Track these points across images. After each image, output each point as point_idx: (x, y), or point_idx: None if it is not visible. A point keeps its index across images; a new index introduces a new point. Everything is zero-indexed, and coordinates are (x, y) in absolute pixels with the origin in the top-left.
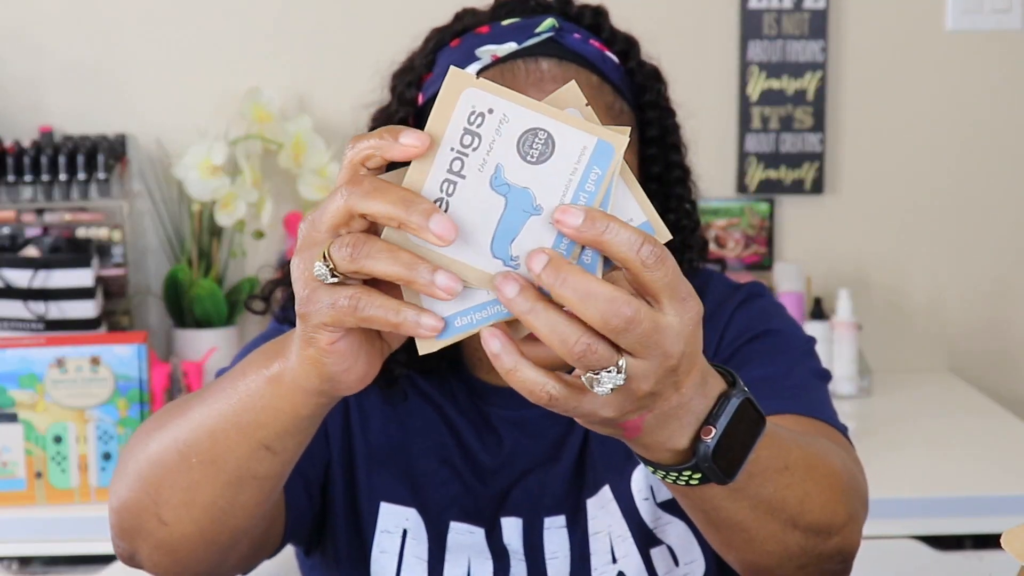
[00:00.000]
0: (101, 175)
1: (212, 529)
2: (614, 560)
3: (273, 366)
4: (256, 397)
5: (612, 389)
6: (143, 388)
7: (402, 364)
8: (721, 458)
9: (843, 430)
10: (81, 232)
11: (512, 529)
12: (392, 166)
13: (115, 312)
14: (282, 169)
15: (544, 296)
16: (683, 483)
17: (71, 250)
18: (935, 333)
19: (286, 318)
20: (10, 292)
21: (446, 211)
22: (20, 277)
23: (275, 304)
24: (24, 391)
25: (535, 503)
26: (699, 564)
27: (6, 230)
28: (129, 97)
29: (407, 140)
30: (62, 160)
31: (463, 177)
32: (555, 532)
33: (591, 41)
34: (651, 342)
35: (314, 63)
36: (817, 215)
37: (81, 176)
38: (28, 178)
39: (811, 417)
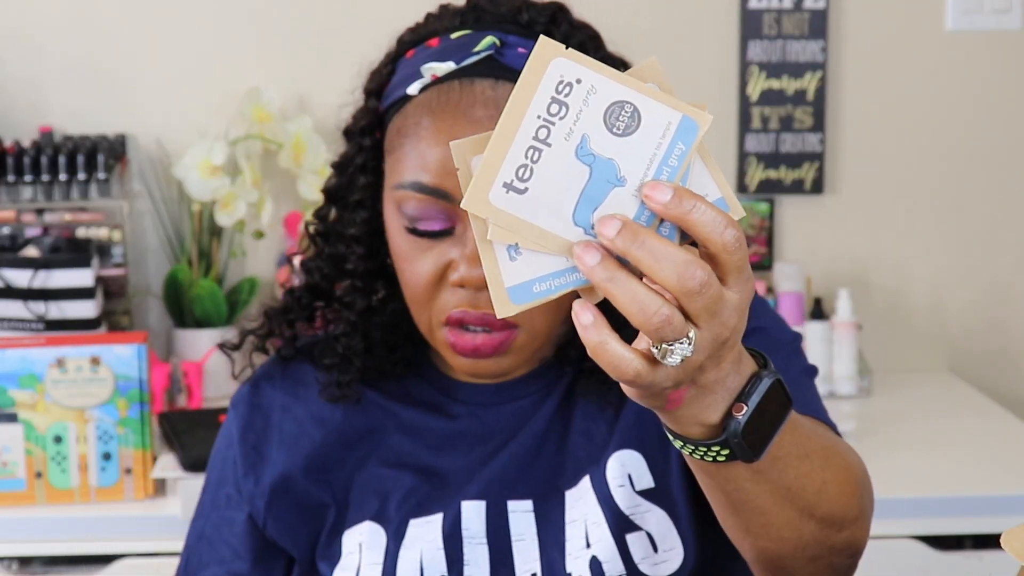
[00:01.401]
0: (101, 175)
1: None
2: (588, 545)
3: None
4: None
5: (681, 360)
6: (143, 388)
7: (353, 370)
8: (750, 436)
9: (834, 427)
10: (81, 232)
11: (473, 512)
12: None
13: (115, 312)
14: (282, 169)
15: (624, 266)
16: (710, 459)
17: (71, 250)
18: (935, 333)
19: (255, 373)
20: (10, 292)
21: (530, 177)
22: (20, 277)
23: (247, 348)
24: (24, 391)
25: (499, 485)
26: (678, 551)
27: (6, 230)
28: (129, 97)
29: None
30: (62, 160)
31: (548, 145)
32: (520, 516)
33: None
34: (716, 309)
35: (314, 63)
36: (817, 215)
37: (81, 176)
38: (28, 178)
39: (807, 416)
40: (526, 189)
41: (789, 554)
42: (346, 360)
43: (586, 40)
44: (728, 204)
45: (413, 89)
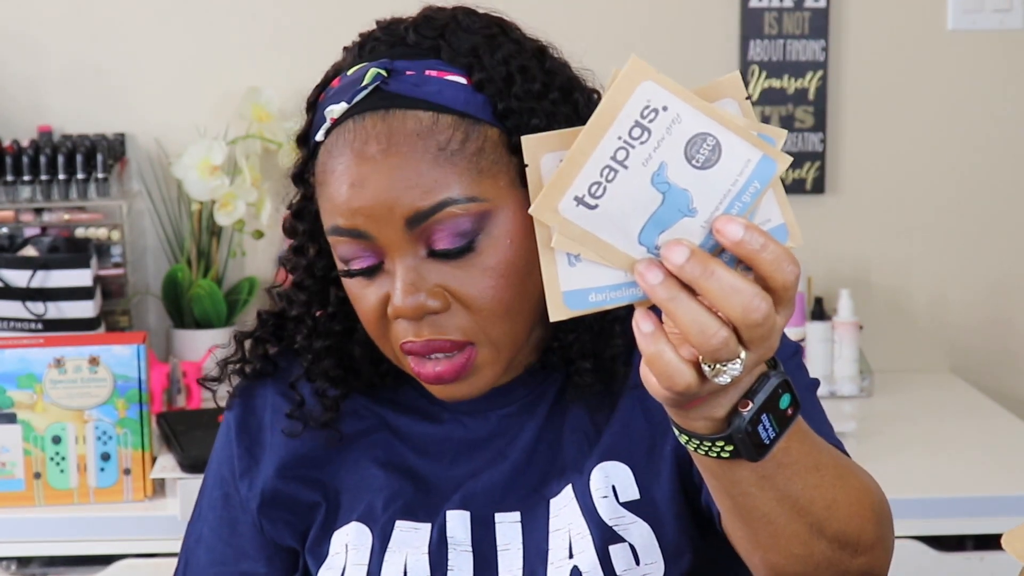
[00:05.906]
0: (100, 175)
1: None
2: (571, 555)
3: None
4: None
5: (730, 380)
6: (142, 388)
7: (338, 385)
8: (754, 434)
9: (839, 445)
10: (80, 232)
11: (458, 521)
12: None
13: (114, 312)
14: (281, 169)
15: (685, 287)
16: (714, 455)
17: (70, 250)
18: (936, 333)
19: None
20: (9, 292)
21: (602, 195)
22: (19, 277)
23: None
24: (23, 391)
25: (487, 499)
26: (659, 566)
27: (5, 230)
28: (128, 97)
29: None
30: (61, 160)
31: (625, 168)
32: (508, 526)
33: (428, 72)
34: (768, 335)
35: (314, 63)
36: (818, 215)
37: (80, 176)
38: (27, 178)
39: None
40: (596, 206)
41: (800, 573)
42: (332, 379)
43: (473, 61)
44: (788, 230)
45: (320, 136)
